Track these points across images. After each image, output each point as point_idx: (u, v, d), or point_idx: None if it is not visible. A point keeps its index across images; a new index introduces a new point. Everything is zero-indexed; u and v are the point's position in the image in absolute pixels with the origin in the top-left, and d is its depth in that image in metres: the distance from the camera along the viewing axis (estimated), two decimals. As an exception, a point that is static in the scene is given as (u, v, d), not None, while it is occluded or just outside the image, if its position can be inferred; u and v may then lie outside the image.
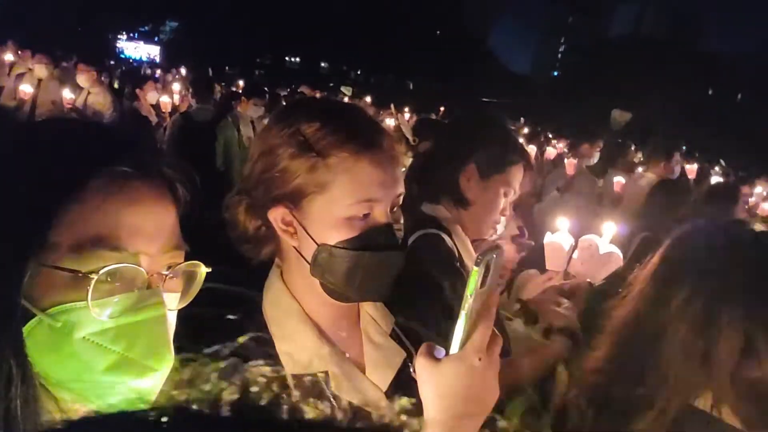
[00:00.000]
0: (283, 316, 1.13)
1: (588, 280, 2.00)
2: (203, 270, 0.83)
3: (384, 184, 1.08)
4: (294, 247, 1.10)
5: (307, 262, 1.08)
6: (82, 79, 6.46)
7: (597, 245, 2.04)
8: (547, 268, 2.15)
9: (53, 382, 0.71)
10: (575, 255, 2.09)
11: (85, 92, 6.51)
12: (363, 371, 1.13)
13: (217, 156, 5.61)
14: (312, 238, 1.07)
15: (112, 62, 17.60)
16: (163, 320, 0.75)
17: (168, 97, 6.38)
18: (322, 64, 48.98)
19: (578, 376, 1.28)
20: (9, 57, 7.67)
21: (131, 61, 29.53)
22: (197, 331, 0.96)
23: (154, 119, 6.32)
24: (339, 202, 1.05)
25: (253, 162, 1.11)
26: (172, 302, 0.79)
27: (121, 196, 0.73)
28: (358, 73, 48.45)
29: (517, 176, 1.91)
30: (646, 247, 1.37)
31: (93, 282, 0.69)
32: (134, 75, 11.47)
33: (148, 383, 0.74)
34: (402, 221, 1.13)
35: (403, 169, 1.52)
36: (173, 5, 39.35)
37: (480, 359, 0.85)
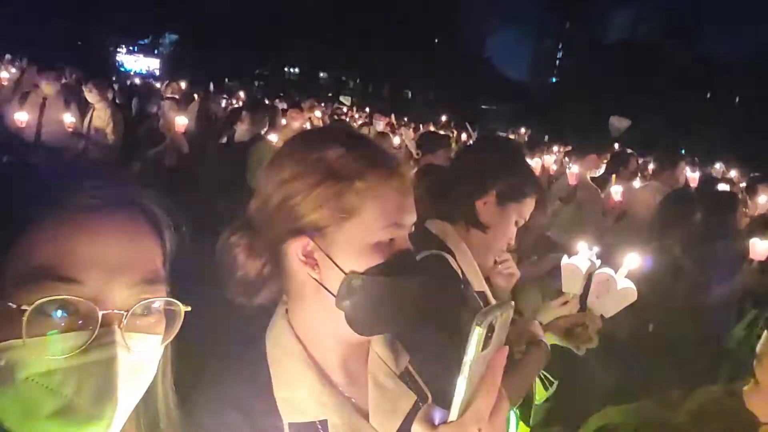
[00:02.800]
0: (285, 359, 1.08)
1: (601, 314, 2.03)
2: (181, 309, 0.77)
3: (406, 210, 1.08)
4: (315, 279, 1.06)
5: (331, 293, 1.05)
6: (91, 96, 6.46)
7: (615, 281, 2.05)
8: (563, 290, 2.16)
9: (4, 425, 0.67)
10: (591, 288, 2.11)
11: (91, 110, 6.51)
12: (367, 418, 1.08)
13: (250, 178, 5.19)
14: (339, 267, 1.04)
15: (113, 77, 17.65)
16: (113, 363, 0.68)
17: (186, 117, 6.34)
18: (321, 74, 49.10)
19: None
20: (7, 72, 7.68)
21: (132, 74, 29.65)
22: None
23: (185, 147, 6.15)
24: (369, 227, 1.04)
25: (266, 194, 1.07)
26: (143, 344, 0.72)
27: (76, 226, 0.68)
28: (357, 82, 48.59)
29: (530, 207, 1.99)
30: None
31: (26, 314, 0.64)
32: (140, 91, 11.48)
33: None
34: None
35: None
36: (172, 18, 39.45)
37: (480, 430, 0.78)
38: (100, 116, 6.48)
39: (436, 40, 50.94)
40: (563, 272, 2.20)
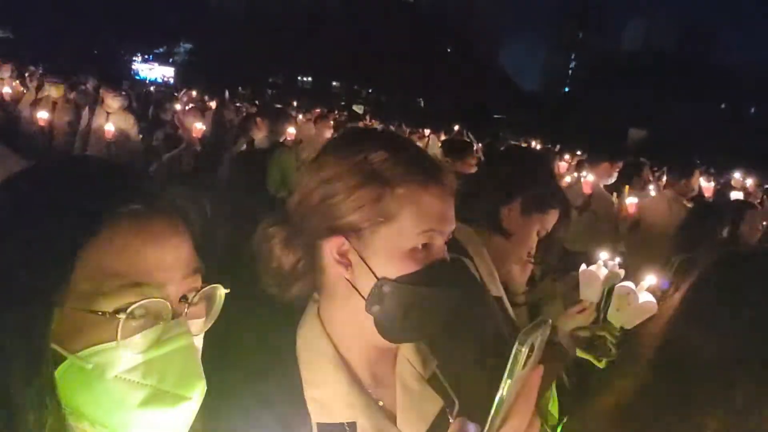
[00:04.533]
0: (315, 359, 1.09)
1: (621, 325, 2.03)
2: (222, 292, 0.82)
3: (444, 218, 1.07)
4: (347, 280, 1.05)
5: (362, 296, 1.04)
6: (110, 103, 6.57)
7: (635, 294, 2.05)
8: (580, 297, 2.17)
9: (89, 421, 0.72)
10: (612, 301, 2.11)
11: (106, 115, 6.62)
12: (395, 421, 1.08)
13: (271, 184, 5.26)
14: (372, 270, 1.04)
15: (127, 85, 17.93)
16: (191, 348, 0.76)
17: (202, 123, 6.48)
18: (334, 83, 49.40)
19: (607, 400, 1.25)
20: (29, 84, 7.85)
21: (147, 82, 30.04)
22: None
23: (197, 146, 6.29)
24: (406, 232, 1.03)
25: (307, 191, 1.08)
26: (196, 328, 0.79)
27: (138, 234, 0.74)
28: (369, 91, 48.81)
29: (553, 219, 2.01)
30: (684, 271, 1.37)
31: (122, 321, 0.69)
32: (155, 98, 11.67)
33: (183, 412, 0.75)
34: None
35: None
36: (187, 27, 39.96)
37: None
38: (123, 122, 6.59)
39: (449, 50, 51.10)
40: (581, 279, 2.20)
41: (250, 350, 1.07)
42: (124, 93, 6.91)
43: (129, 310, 0.70)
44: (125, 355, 0.71)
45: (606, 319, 2.10)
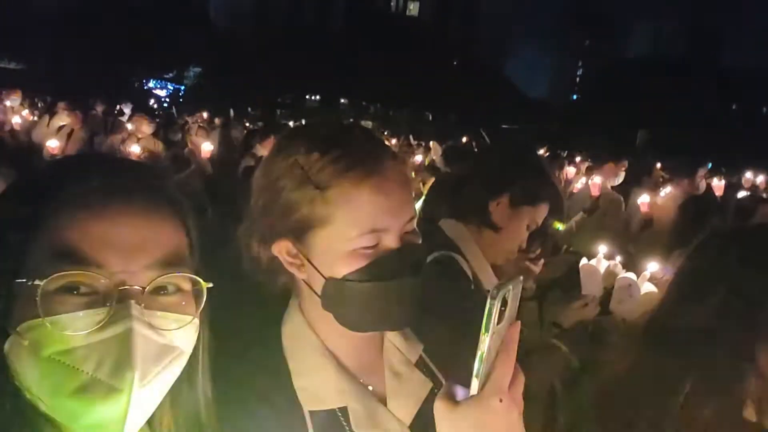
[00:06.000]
0: (301, 349, 1.09)
1: (623, 317, 2.02)
2: (203, 285, 0.78)
3: (391, 212, 1.01)
4: (303, 281, 1.07)
5: (318, 295, 1.04)
6: (144, 129, 6.86)
7: (637, 286, 2.04)
8: (582, 292, 2.16)
9: (45, 405, 0.69)
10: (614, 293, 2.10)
11: (137, 140, 6.92)
12: (385, 404, 1.09)
13: None
14: (319, 272, 1.03)
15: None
16: (129, 336, 0.69)
17: (210, 144, 6.72)
18: (342, 101, 49.73)
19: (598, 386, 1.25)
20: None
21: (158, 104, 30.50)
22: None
23: (208, 168, 6.40)
24: (342, 236, 1.00)
25: (256, 196, 1.08)
26: (170, 323, 0.74)
27: (92, 210, 0.71)
28: (378, 106, 49.06)
29: (543, 213, 1.99)
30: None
31: (39, 291, 0.66)
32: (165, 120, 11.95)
33: (115, 409, 0.69)
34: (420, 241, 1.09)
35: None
36: (197, 51, 40.63)
37: (501, 400, 0.79)
38: (152, 146, 6.89)
39: (455, 62, 51.32)
40: (582, 274, 2.20)
41: (236, 343, 1.05)
42: (157, 120, 7.26)
43: (46, 281, 0.67)
44: (56, 334, 0.67)
45: (609, 311, 2.09)
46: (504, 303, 0.77)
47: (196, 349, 0.81)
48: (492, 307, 0.75)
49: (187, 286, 0.78)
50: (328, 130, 1.09)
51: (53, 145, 6.13)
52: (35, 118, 8.35)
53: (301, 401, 1.04)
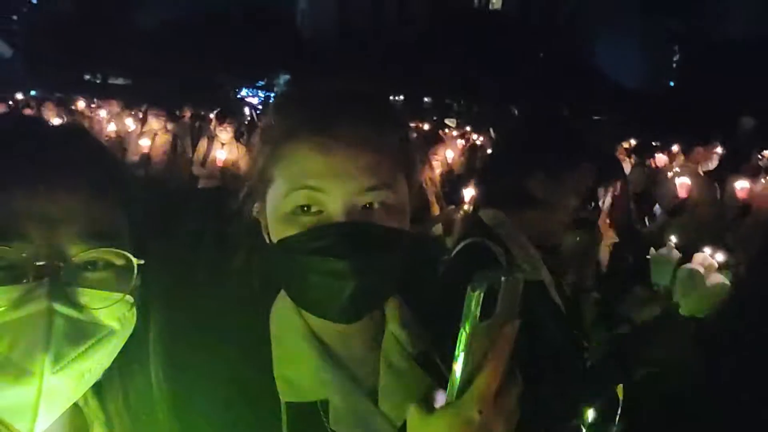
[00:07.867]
0: (285, 334, 1.03)
1: (691, 313, 1.90)
2: (134, 262, 0.74)
3: (331, 172, 0.91)
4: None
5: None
6: (225, 135, 7.32)
7: (701, 276, 1.87)
8: (652, 281, 2.08)
9: None
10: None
11: (221, 146, 7.33)
12: (375, 401, 0.98)
13: None
14: (267, 234, 1.01)
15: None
16: (43, 316, 0.66)
17: None
18: (426, 99, 49.64)
19: None
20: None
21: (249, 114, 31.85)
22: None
23: None
24: (278, 194, 0.96)
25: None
26: (98, 301, 0.70)
27: (11, 184, 0.68)
28: (461, 103, 48.58)
29: (589, 174, 1.90)
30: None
31: None
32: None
33: (26, 392, 0.66)
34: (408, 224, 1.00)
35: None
36: (286, 57, 42.08)
37: (481, 412, 0.68)
38: (235, 153, 7.29)
39: (541, 55, 49.90)
40: (652, 263, 2.13)
41: (222, 327, 1.02)
42: (233, 125, 7.71)
43: None
44: None
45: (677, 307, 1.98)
46: (493, 297, 0.66)
47: (143, 329, 0.77)
48: (471, 301, 0.66)
49: (120, 262, 0.74)
50: (294, 94, 1.07)
51: (145, 144, 6.79)
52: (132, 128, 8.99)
53: (279, 391, 0.98)
